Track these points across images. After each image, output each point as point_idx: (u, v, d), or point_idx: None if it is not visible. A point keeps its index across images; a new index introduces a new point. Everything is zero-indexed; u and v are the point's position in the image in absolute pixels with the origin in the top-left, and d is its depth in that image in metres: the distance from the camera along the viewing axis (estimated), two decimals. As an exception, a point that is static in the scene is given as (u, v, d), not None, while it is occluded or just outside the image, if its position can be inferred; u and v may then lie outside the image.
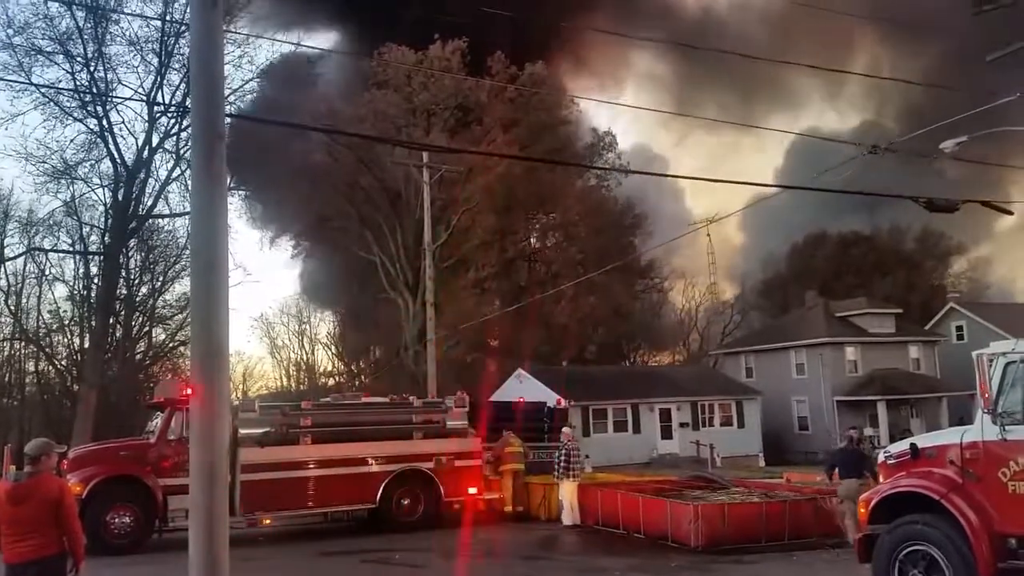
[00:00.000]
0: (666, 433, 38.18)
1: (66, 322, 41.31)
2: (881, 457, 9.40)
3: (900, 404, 41.37)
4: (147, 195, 35.90)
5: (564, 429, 18.34)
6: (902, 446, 9.09)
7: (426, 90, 37.65)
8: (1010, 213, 13.49)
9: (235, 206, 40.04)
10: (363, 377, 50.94)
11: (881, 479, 9.27)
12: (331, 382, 53.80)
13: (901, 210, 55.11)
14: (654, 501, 15.02)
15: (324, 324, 59.68)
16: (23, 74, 30.90)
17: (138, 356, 42.45)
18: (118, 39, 33.59)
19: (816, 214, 58.21)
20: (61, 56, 32.21)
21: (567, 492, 16.55)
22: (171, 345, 42.93)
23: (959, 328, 47.29)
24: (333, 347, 59.25)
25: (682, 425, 38.46)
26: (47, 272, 41.01)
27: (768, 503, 14.63)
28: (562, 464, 16.61)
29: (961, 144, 14.90)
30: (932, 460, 8.38)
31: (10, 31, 30.75)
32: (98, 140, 33.75)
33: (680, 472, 24.87)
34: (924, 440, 8.97)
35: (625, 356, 59.17)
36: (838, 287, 53.79)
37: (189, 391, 5.00)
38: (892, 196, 32.00)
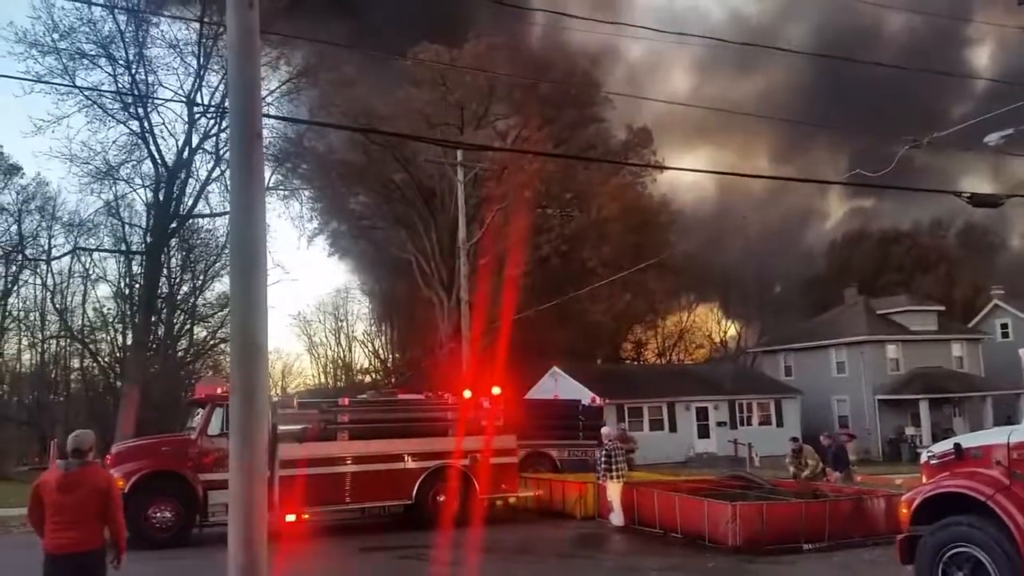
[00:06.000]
0: (703, 432, 37.90)
1: (110, 320, 42.37)
2: (924, 457, 9.19)
3: (943, 403, 40.57)
4: (187, 195, 36.52)
5: (604, 429, 18.17)
6: (946, 446, 8.87)
7: (460, 88, 37.70)
8: (1058, 207, 13.10)
9: (274, 205, 40.60)
10: (399, 375, 51.24)
11: (923, 479, 9.07)
12: (367, 379, 54.22)
13: (944, 205, 54.08)
14: (691, 500, 14.87)
15: (360, 322, 60.14)
16: (67, 77, 31.54)
17: (179, 353, 43.32)
18: (158, 41, 34.24)
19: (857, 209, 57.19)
20: (104, 59, 32.88)
21: (613, 493, 16.11)
22: (211, 343, 43.81)
23: (1004, 325, 46.26)
24: (369, 344, 59.75)
25: (719, 424, 38.12)
26: (91, 271, 42.07)
27: (808, 503, 14.42)
28: (602, 464, 16.30)
29: (1006, 137, 14.53)
30: (977, 460, 8.17)
31: (55, 35, 31.45)
32: (139, 141, 34.36)
33: (717, 471, 24.63)
34: (969, 440, 8.74)
35: (661, 354, 58.77)
36: (879, 284, 52.80)
37: (228, 387, 5.06)
38: (935, 191, 31.44)
